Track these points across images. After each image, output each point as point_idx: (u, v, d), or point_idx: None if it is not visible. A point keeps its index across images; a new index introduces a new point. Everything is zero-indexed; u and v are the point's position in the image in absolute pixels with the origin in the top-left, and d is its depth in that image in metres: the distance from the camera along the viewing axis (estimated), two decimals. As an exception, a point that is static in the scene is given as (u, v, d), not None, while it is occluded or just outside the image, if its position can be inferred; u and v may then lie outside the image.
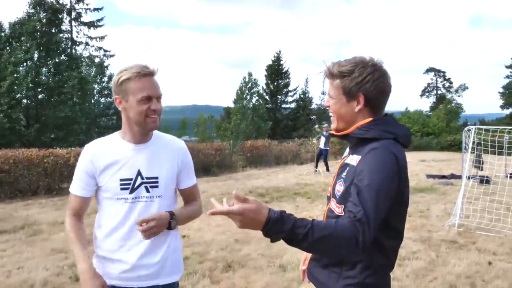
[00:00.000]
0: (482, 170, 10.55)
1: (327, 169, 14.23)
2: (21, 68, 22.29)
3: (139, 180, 1.80)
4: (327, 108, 1.59)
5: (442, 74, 57.27)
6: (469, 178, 6.98)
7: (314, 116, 21.47)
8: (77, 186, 1.84)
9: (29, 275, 4.48)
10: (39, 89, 23.27)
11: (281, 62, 40.03)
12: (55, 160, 10.45)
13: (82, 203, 1.86)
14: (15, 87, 21.68)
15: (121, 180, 1.79)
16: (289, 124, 39.30)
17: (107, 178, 1.80)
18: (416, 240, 5.72)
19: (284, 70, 40.03)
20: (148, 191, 1.81)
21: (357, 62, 1.48)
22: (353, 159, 1.48)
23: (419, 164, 17.14)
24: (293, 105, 40.62)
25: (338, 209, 1.49)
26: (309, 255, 1.69)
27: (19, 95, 22.65)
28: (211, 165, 14.84)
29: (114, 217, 1.81)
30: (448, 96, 51.52)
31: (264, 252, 5.15)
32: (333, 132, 1.61)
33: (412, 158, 19.81)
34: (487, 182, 9.53)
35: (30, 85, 22.13)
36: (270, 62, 40.09)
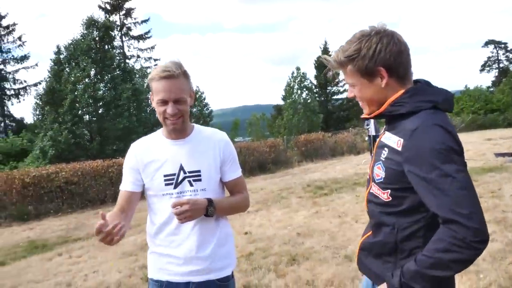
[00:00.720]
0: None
1: None
2: (80, 86, 23.62)
3: (182, 175, 1.80)
4: (354, 98, 1.48)
5: (503, 45, 53.41)
6: (544, 152, 6.42)
7: None
8: (124, 182, 1.88)
9: (104, 278, 4.73)
10: (99, 104, 24.58)
11: (329, 53, 39.32)
12: (119, 169, 10.92)
13: (127, 197, 1.84)
14: (76, 104, 23.06)
15: (165, 176, 1.80)
16: (342, 115, 38.59)
17: (151, 175, 1.82)
18: (489, 221, 5.36)
19: (332, 61, 39.40)
20: (191, 185, 1.80)
21: (360, 38, 1.36)
22: (391, 139, 1.35)
23: (486, 143, 16.15)
24: (344, 95, 39.84)
25: (384, 195, 1.39)
26: None
27: (80, 111, 24.06)
28: (266, 162, 14.90)
29: (162, 214, 1.83)
30: (512, 68, 47.99)
31: (328, 244, 5.07)
32: (365, 116, 1.50)
33: (477, 138, 18.73)
34: None
35: (90, 101, 23.44)
36: (318, 54, 39.60)
